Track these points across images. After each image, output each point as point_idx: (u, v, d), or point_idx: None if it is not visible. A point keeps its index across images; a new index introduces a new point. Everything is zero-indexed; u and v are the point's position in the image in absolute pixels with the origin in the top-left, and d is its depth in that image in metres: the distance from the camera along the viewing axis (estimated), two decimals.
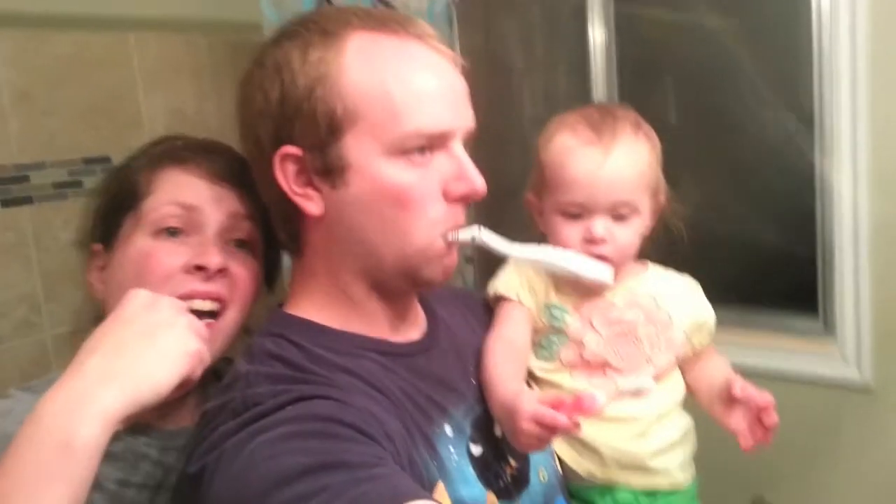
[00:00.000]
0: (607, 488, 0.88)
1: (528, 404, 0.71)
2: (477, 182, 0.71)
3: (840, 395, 1.29)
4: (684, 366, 0.93)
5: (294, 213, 0.72)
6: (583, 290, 0.89)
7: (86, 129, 1.60)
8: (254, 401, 0.64)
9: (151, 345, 0.63)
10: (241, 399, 0.65)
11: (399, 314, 0.78)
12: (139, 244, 0.78)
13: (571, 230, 0.87)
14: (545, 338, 0.90)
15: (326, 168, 0.69)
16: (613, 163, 0.85)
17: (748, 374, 1.34)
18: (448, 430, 0.73)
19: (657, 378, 0.87)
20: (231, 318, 0.80)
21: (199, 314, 0.76)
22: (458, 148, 0.72)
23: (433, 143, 0.70)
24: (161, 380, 0.62)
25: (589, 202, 0.85)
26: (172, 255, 0.77)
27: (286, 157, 0.69)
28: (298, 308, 0.76)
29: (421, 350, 0.78)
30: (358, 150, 0.68)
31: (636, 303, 0.89)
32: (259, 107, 0.70)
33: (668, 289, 0.91)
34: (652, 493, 0.88)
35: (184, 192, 0.79)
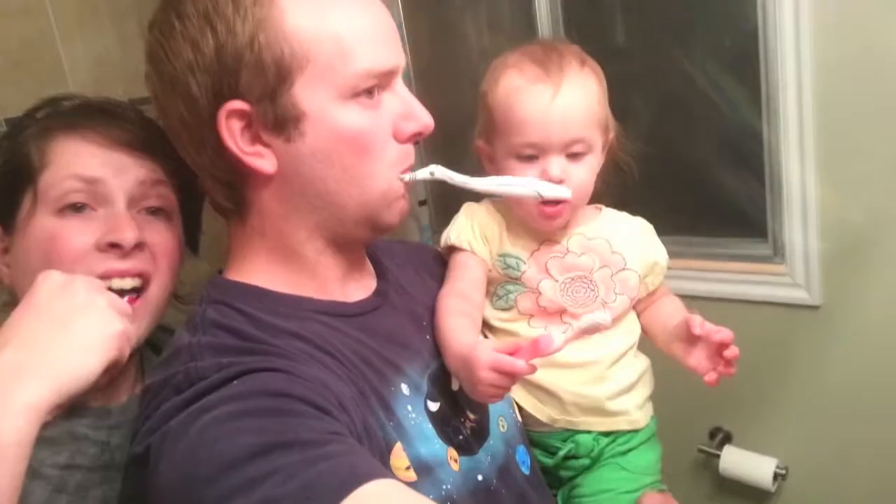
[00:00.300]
0: (568, 433, 0.89)
1: (485, 353, 0.70)
2: (426, 118, 0.70)
3: (791, 316, 1.32)
4: (639, 307, 0.94)
5: (238, 174, 0.68)
6: (537, 237, 0.88)
7: (4, 85, 1.49)
8: (198, 375, 0.61)
9: (69, 332, 0.59)
10: (185, 373, 0.62)
11: (349, 272, 0.75)
12: (43, 224, 0.73)
13: (527, 173, 0.84)
14: (501, 287, 0.89)
15: (278, 120, 0.64)
16: (563, 99, 0.82)
17: (701, 300, 1.39)
18: (404, 388, 0.72)
19: (613, 321, 0.87)
20: (156, 291, 0.76)
21: (121, 292, 0.72)
22: (401, 86, 0.70)
23: (381, 82, 0.67)
24: (84, 368, 0.59)
25: (542, 142, 0.83)
26: (81, 234, 0.72)
27: (231, 113, 0.64)
28: (240, 273, 0.72)
29: (371, 308, 0.76)
30: (311, 96, 0.64)
31: (590, 247, 0.88)
32: (188, 61, 0.64)
33: (621, 232, 0.90)
34: (611, 435, 0.89)
35: (83, 163, 0.73)
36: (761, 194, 1.33)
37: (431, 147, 1.53)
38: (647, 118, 1.45)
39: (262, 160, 0.66)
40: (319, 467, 0.53)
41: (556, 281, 0.87)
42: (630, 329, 0.92)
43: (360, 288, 0.77)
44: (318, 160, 0.67)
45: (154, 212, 0.77)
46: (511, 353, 0.70)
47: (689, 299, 1.38)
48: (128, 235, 0.72)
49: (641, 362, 0.93)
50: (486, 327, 0.90)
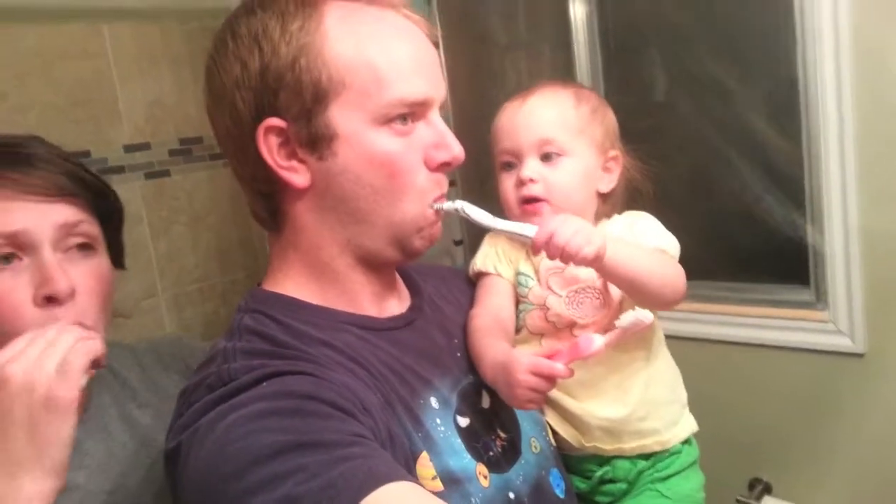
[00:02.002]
0: (605, 458, 0.88)
1: (524, 357, 0.72)
2: (456, 149, 0.73)
3: (834, 364, 1.29)
4: None
5: (276, 188, 0.71)
6: (540, 255, 0.89)
7: (63, 124, 1.57)
8: (230, 376, 0.64)
9: (37, 428, 0.63)
10: (217, 374, 0.65)
11: (381, 288, 0.78)
12: None
13: (507, 180, 0.91)
14: (517, 308, 0.91)
15: (312, 139, 0.68)
16: (529, 105, 0.90)
17: (744, 346, 1.37)
18: (433, 401, 0.73)
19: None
20: (98, 327, 0.76)
21: None
22: (436, 116, 0.73)
23: (415, 111, 0.70)
24: (65, 438, 0.64)
25: (513, 147, 0.89)
26: (15, 291, 0.72)
27: (270, 129, 0.68)
28: (277, 284, 0.75)
29: (404, 324, 0.78)
30: (344, 119, 0.68)
31: None
32: (236, 78, 0.68)
33: (611, 230, 0.91)
34: (650, 458, 0.88)
35: (2, 220, 0.73)
36: (804, 240, 1.31)
37: (467, 186, 1.55)
38: (689, 168, 1.45)
39: (296, 175, 0.70)
40: (341, 468, 0.55)
41: (560, 295, 0.88)
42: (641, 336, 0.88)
43: (392, 303, 0.80)
44: (348, 179, 0.70)
45: (81, 247, 0.77)
46: (550, 357, 0.71)
47: (732, 345, 1.38)
48: (61, 287, 0.72)
49: (666, 372, 0.91)
50: None
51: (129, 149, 1.69)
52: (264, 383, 0.62)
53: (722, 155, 1.41)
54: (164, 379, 0.91)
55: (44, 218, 0.74)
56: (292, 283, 0.75)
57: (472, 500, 0.70)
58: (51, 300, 0.73)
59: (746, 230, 1.40)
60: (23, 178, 0.74)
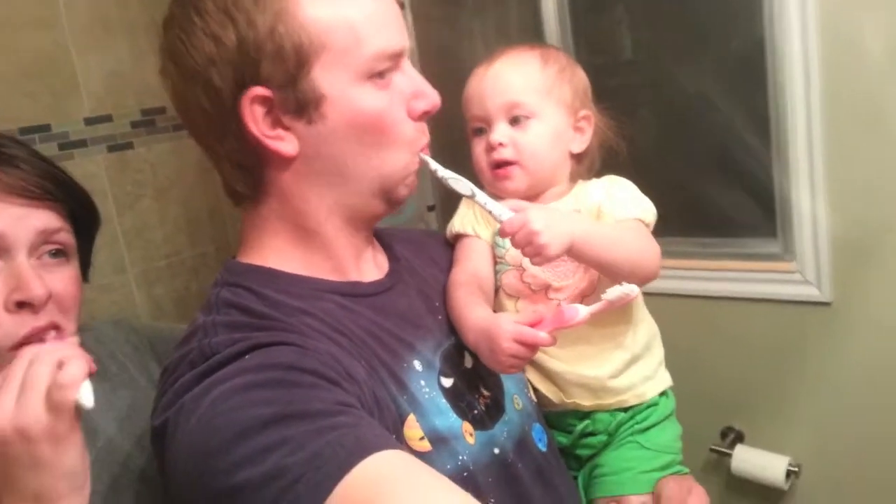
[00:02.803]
0: (585, 412, 0.90)
1: (508, 324, 0.73)
2: (434, 96, 0.75)
3: (802, 313, 1.32)
4: None
5: (260, 160, 0.71)
6: None
7: (18, 98, 1.52)
8: (211, 350, 0.64)
9: (42, 463, 0.63)
10: (199, 349, 0.65)
11: (363, 252, 0.78)
12: None
13: (478, 145, 0.91)
14: (494, 269, 0.91)
15: (299, 104, 0.68)
16: (494, 70, 0.90)
17: (715, 300, 1.39)
18: (417, 364, 0.74)
19: (594, 292, 0.87)
20: (69, 332, 0.75)
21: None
22: (409, 66, 0.74)
23: (392, 63, 0.71)
24: (78, 454, 0.64)
25: (482, 112, 0.89)
26: None
27: (255, 99, 0.67)
28: (253, 256, 0.75)
29: (383, 289, 0.79)
30: (329, 80, 0.68)
31: None
32: (210, 55, 0.67)
33: (588, 196, 0.91)
34: (629, 410, 0.90)
35: None
36: (770, 193, 1.33)
37: (436, 151, 1.54)
38: (658, 126, 1.46)
39: (284, 143, 0.69)
40: (328, 437, 0.55)
41: None
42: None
43: (373, 268, 0.80)
44: (338, 139, 0.70)
45: (55, 254, 0.75)
46: (533, 325, 0.72)
47: (703, 299, 1.40)
48: (36, 293, 0.70)
49: (644, 330, 0.93)
50: None
51: (90, 121, 1.65)
52: (247, 356, 0.62)
53: (690, 112, 1.42)
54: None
55: (24, 222, 0.72)
56: (272, 254, 0.74)
57: (460, 457, 0.71)
58: (22, 306, 0.71)
59: (715, 185, 1.41)
60: (4, 179, 0.71)
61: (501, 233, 0.77)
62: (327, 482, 0.52)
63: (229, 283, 0.72)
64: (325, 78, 0.68)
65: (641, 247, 0.85)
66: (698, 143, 1.42)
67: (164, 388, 0.66)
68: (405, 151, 0.74)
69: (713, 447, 1.46)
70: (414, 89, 0.74)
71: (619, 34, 1.50)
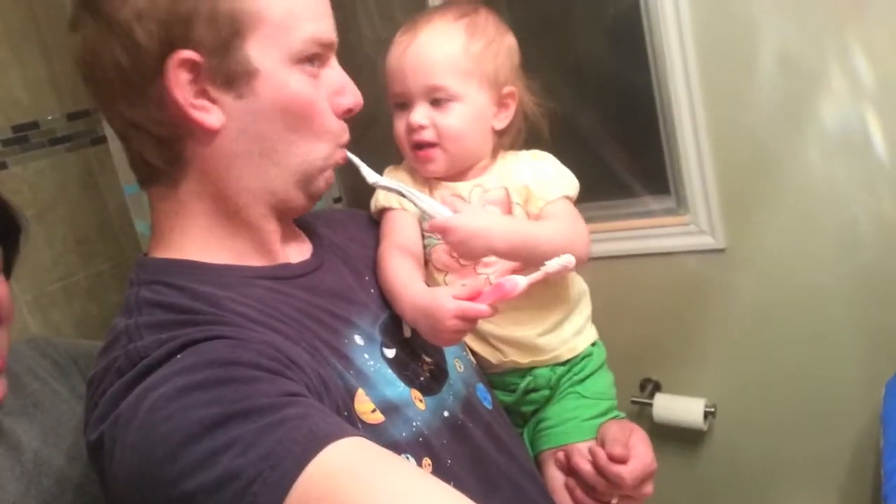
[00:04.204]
0: (525, 370, 0.92)
1: (449, 302, 0.72)
2: (358, 96, 0.74)
3: (700, 262, 1.39)
4: None
5: (179, 131, 0.66)
6: (441, 192, 0.91)
7: None
8: (139, 355, 0.60)
9: None
10: (125, 355, 0.60)
11: (285, 237, 0.76)
12: None
13: (399, 122, 0.89)
14: (423, 243, 0.91)
15: (229, 75, 0.65)
16: (416, 47, 0.87)
17: (620, 259, 1.44)
18: (357, 339, 0.73)
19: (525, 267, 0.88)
20: (5, 341, 0.73)
21: None
22: (335, 63, 0.73)
23: (321, 54, 0.69)
24: None
25: (402, 89, 0.88)
26: None
27: (182, 62, 0.63)
28: (169, 249, 0.71)
29: (312, 268, 0.77)
30: (263, 55, 0.65)
31: (489, 199, 0.90)
32: (137, 9, 0.62)
33: (515, 174, 0.92)
34: (567, 363, 0.93)
35: None
36: (659, 151, 1.39)
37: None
38: (540, 91, 1.48)
39: (208, 115, 0.66)
40: (279, 433, 0.52)
41: None
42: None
43: (298, 251, 0.78)
44: (266, 119, 0.67)
45: None
46: (472, 299, 0.72)
47: (607, 260, 1.45)
48: None
49: (575, 289, 0.95)
50: None
51: None
52: (178, 356, 0.58)
53: (576, 79, 1.45)
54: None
55: None
56: (189, 245, 0.70)
57: (413, 423, 0.71)
58: None
59: (609, 150, 1.45)
60: None
61: (430, 228, 0.79)
62: (285, 480, 0.50)
63: (147, 282, 0.67)
64: (259, 52, 0.65)
65: (569, 239, 0.86)
66: (586, 107, 1.46)
67: (95, 399, 0.61)
68: (328, 144, 0.73)
69: (633, 399, 1.52)
70: (339, 86, 0.73)
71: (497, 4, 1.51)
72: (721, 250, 1.37)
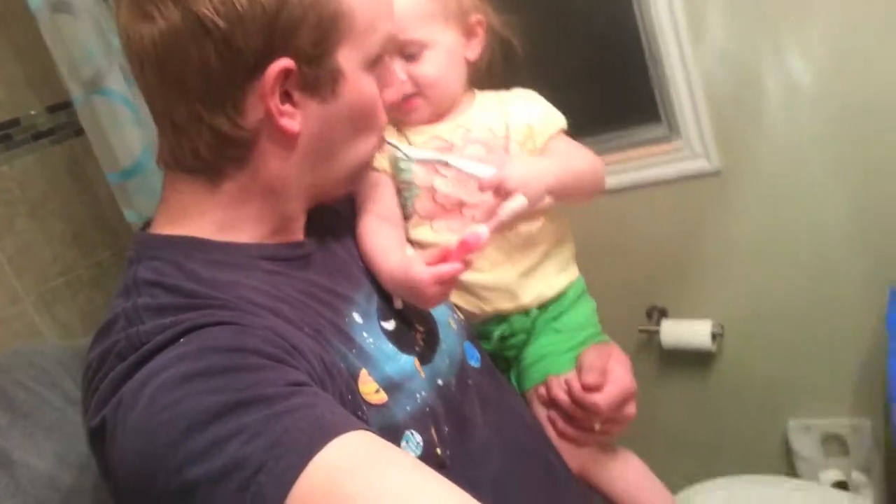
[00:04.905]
0: (502, 318, 0.93)
1: (423, 272, 0.73)
2: (401, 85, 0.78)
3: (697, 186, 1.39)
4: None
5: (253, 133, 0.65)
6: (422, 138, 0.91)
7: None
8: (140, 339, 0.59)
9: None
10: (126, 339, 0.59)
11: (300, 219, 0.76)
12: None
13: None
14: (401, 195, 0.91)
15: (318, 82, 0.64)
16: None
17: (617, 192, 1.44)
18: (356, 316, 0.73)
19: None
20: None
21: None
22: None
23: (388, 50, 0.71)
24: None
25: None
26: None
27: (281, 70, 0.62)
28: (170, 225, 0.69)
29: (311, 248, 0.76)
30: (349, 59, 0.65)
31: (472, 138, 0.90)
32: (239, 11, 0.59)
33: (497, 111, 0.92)
34: (541, 305, 0.93)
35: None
36: (646, 80, 1.38)
37: None
38: (525, 31, 1.46)
39: (292, 120, 0.65)
40: (285, 423, 0.52)
41: (447, 176, 0.89)
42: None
43: (296, 231, 0.78)
44: (338, 122, 0.68)
45: None
46: (444, 258, 0.72)
47: (605, 194, 1.44)
48: None
49: (553, 227, 0.94)
50: None
51: None
52: (181, 340, 0.57)
53: (558, 15, 1.43)
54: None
55: None
56: (201, 220, 0.68)
57: (417, 396, 0.71)
58: None
59: (596, 84, 1.44)
60: None
61: (481, 187, 0.79)
62: (291, 470, 0.50)
63: (147, 258, 0.66)
64: (346, 58, 0.65)
65: (594, 165, 0.90)
66: (570, 42, 1.44)
67: (95, 384, 0.60)
68: (378, 136, 0.74)
69: (641, 328, 1.54)
70: (388, 79, 0.73)
71: None
72: (716, 173, 1.36)
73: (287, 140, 0.66)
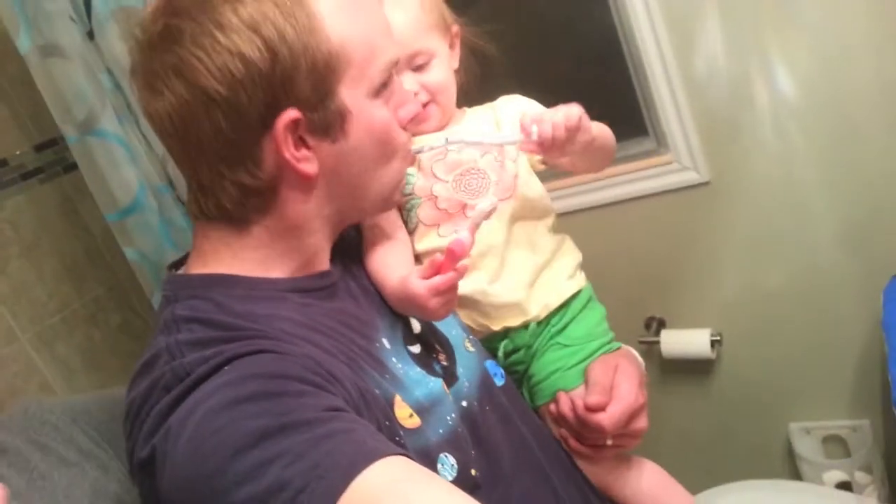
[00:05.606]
0: (503, 334, 0.93)
1: (420, 287, 0.74)
2: (416, 102, 0.77)
3: (687, 198, 1.41)
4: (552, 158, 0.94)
5: (274, 181, 0.67)
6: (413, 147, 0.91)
7: None
8: (185, 371, 0.61)
9: None
10: (171, 372, 0.61)
11: (326, 249, 0.77)
12: None
13: None
14: (404, 211, 0.92)
15: (326, 123, 0.65)
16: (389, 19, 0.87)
17: (610, 206, 1.45)
18: (385, 342, 0.75)
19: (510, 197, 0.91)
20: None
21: None
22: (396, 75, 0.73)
23: (394, 73, 0.71)
24: None
25: None
26: None
27: (289, 122, 0.63)
28: (202, 265, 0.71)
29: (336, 276, 0.77)
30: (352, 96, 0.66)
31: (468, 145, 0.92)
32: (236, 75, 0.61)
33: (488, 115, 0.96)
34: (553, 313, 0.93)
35: None
36: (632, 94, 1.39)
37: None
38: (510, 49, 1.47)
39: (309, 164, 0.67)
40: (327, 446, 0.54)
41: (447, 181, 0.90)
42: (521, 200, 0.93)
43: (325, 259, 0.79)
44: (356, 156, 0.69)
45: None
46: (437, 270, 0.73)
47: (597, 209, 1.46)
48: None
49: (549, 238, 0.95)
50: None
51: None
52: (225, 368, 0.59)
53: (543, 32, 1.44)
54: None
55: None
56: (223, 261, 0.70)
57: (448, 418, 0.73)
58: None
59: (584, 100, 1.45)
60: None
61: (534, 148, 0.83)
62: (332, 492, 0.51)
63: (184, 297, 0.68)
64: (349, 94, 0.66)
65: (606, 130, 0.95)
66: (559, 61, 1.46)
67: (141, 417, 0.62)
68: (402, 158, 0.74)
69: (641, 339, 1.55)
70: (401, 98, 0.73)
71: None
72: (706, 183, 1.38)
73: (306, 182, 0.68)
